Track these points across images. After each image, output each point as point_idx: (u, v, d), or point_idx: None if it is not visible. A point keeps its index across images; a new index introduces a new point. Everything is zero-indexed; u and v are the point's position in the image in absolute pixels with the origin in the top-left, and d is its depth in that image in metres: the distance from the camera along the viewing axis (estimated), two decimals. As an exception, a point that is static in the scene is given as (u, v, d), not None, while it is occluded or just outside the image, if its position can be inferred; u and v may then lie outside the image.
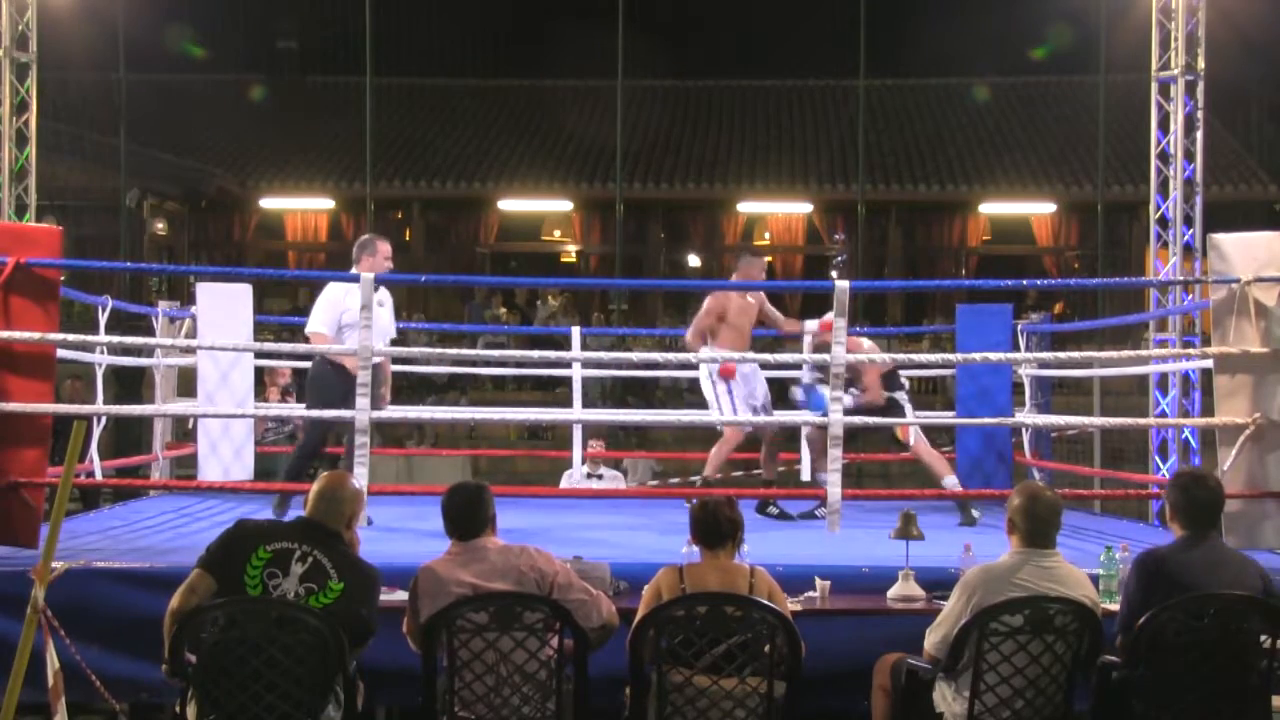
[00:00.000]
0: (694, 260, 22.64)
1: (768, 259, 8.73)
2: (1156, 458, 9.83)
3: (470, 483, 4.72)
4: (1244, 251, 5.96)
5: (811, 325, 7.98)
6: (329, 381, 7.03)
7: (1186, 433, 9.65)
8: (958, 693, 4.32)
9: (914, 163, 21.56)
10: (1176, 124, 9.92)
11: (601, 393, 16.63)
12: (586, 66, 21.28)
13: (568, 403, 9.23)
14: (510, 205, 21.69)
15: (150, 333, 8.67)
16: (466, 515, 4.52)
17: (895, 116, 22.79)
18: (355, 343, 6.61)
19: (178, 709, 4.21)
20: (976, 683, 4.25)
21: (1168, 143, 10.00)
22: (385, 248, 7.20)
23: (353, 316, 6.78)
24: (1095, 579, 4.88)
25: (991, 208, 21.54)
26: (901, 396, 7.72)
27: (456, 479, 5.68)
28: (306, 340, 7.25)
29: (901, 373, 7.72)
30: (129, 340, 8.41)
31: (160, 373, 8.58)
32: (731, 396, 7.72)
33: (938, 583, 5.10)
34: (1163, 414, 9.79)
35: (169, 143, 20.05)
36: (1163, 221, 10.07)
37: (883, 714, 4.70)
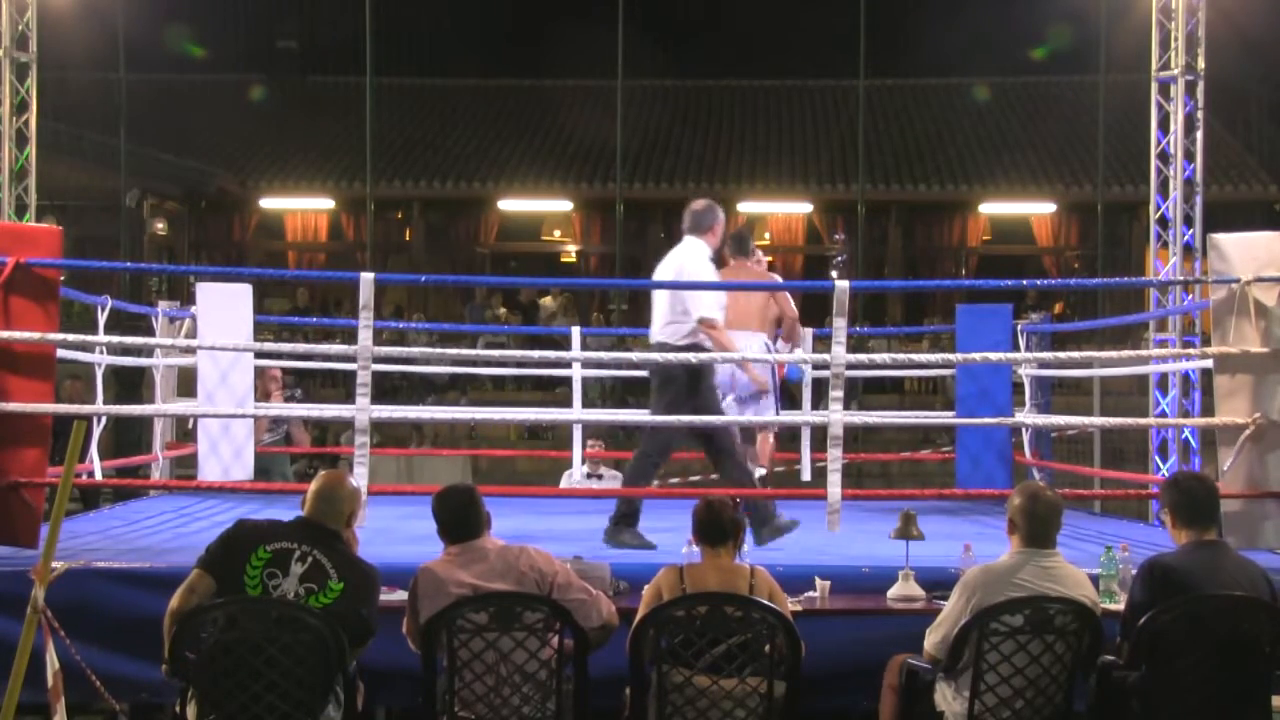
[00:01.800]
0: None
1: (767, 258, 8.50)
2: (1156, 458, 9.83)
3: (459, 486, 4.68)
4: (1244, 251, 5.96)
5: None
6: (693, 378, 6.43)
7: (1186, 433, 9.65)
8: (958, 692, 4.32)
9: (914, 163, 21.55)
10: (1176, 124, 9.92)
11: (601, 393, 16.62)
12: (586, 66, 21.27)
13: (568, 403, 9.23)
14: (510, 205, 21.68)
15: (150, 333, 8.67)
16: (461, 519, 4.51)
17: (895, 116, 22.77)
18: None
19: (178, 709, 4.22)
20: (977, 683, 4.25)
21: (1168, 143, 10.00)
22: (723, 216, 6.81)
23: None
24: (1095, 579, 4.89)
25: (991, 208, 21.53)
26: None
27: (456, 479, 5.68)
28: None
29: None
30: (129, 340, 8.41)
31: (160, 373, 8.58)
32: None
33: (938, 583, 5.10)
34: (1163, 414, 9.79)
35: (169, 143, 20.02)
36: (1163, 221, 10.07)
37: (890, 713, 4.71)
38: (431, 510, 4.56)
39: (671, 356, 6.36)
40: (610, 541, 6.31)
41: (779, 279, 7.49)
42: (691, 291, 6.42)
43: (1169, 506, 4.55)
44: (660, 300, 6.57)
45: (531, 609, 4.28)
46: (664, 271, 6.70)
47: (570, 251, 22.78)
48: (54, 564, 4.39)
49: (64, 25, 11.90)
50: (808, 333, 8.86)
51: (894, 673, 4.71)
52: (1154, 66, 10.05)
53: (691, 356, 6.36)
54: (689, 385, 6.40)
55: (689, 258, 6.60)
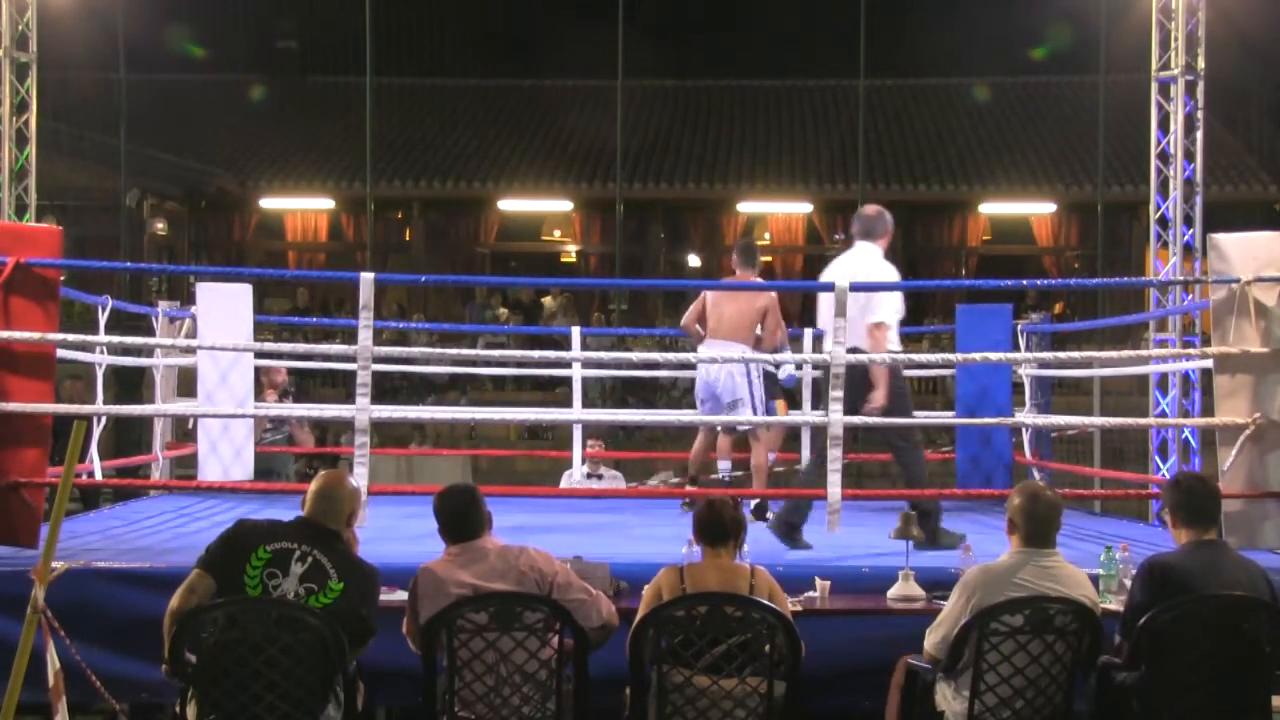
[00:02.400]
0: (694, 260, 22.63)
1: (766, 258, 8.77)
2: (1156, 458, 9.82)
3: (461, 485, 4.69)
4: (1244, 251, 5.96)
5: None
6: (901, 381, 6.47)
7: (1186, 433, 9.64)
8: (958, 692, 4.33)
9: (914, 163, 21.55)
10: (1176, 124, 9.91)
11: (601, 393, 16.63)
12: (586, 66, 21.28)
13: (568, 403, 9.23)
14: (510, 205, 21.69)
15: (150, 333, 8.67)
16: (462, 518, 4.52)
17: (895, 116, 22.78)
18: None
19: (178, 709, 4.21)
20: (977, 682, 4.25)
21: (1168, 143, 9.99)
22: None
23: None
24: (1095, 579, 4.89)
25: (991, 208, 21.53)
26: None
27: (457, 479, 5.67)
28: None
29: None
30: (129, 340, 8.40)
31: (160, 373, 8.58)
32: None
33: (938, 583, 5.10)
34: (1163, 414, 9.78)
35: (169, 143, 20.02)
36: (1163, 221, 10.07)
37: (896, 712, 4.71)
38: (433, 510, 4.56)
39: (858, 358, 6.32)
40: (930, 545, 6.12)
41: (773, 295, 7.73)
42: (876, 295, 6.40)
43: (1170, 506, 4.56)
44: (844, 303, 6.44)
45: (531, 609, 4.28)
46: (843, 277, 6.54)
47: (570, 251, 22.79)
48: (54, 564, 4.39)
49: (64, 25, 11.90)
50: (807, 333, 8.89)
51: (902, 671, 4.72)
52: (1154, 66, 10.05)
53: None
54: (863, 386, 6.37)
55: (873, 264, 6.59)
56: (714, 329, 7.61)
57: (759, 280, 8.05)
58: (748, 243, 8.04)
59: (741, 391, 7.51)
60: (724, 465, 8.35)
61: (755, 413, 7.51)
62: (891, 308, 6.43)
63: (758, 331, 7.61)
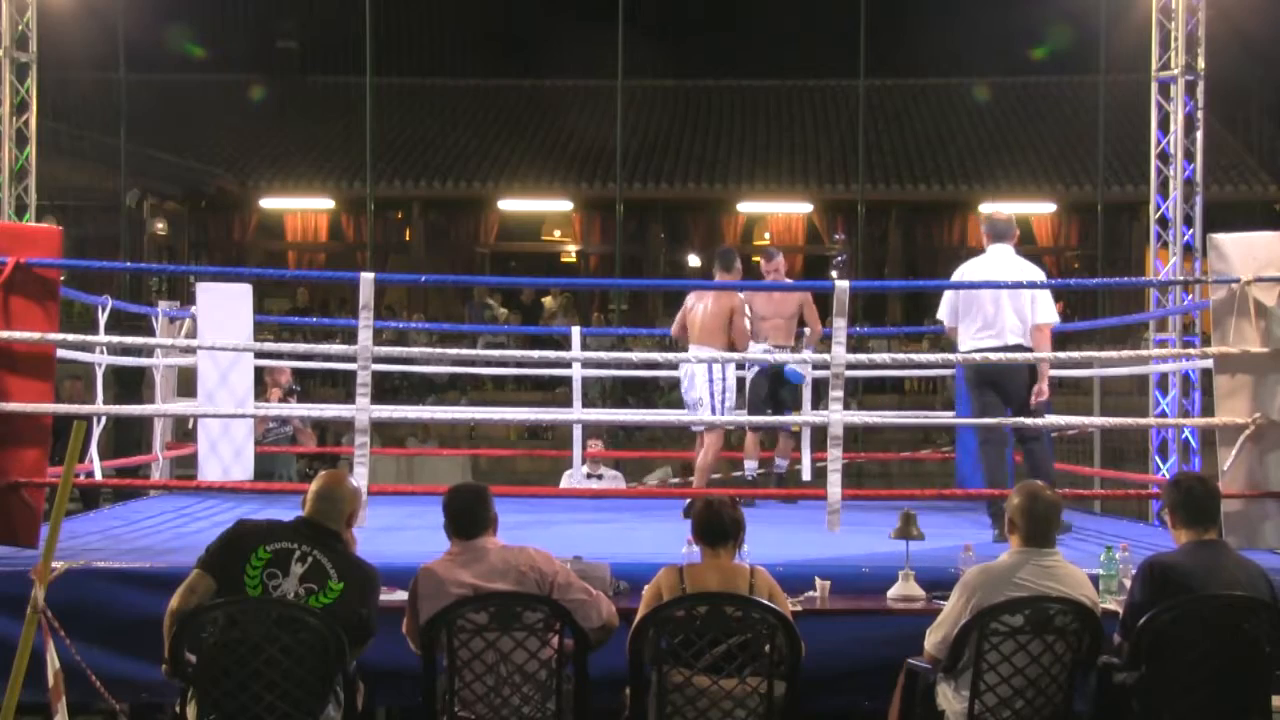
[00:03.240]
0: (694, 260, 22.63)
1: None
2: (1156, 458, 9.82)
3: (473, 483, 4.75)
4: (1244, 251, 5.96)
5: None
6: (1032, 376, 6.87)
7: (1186, 433, 9.64)
8: (958, 692, 4.33)
9: (914, 163, 21.55)
10: (1176, 124, 9.90)
11: (601, 393, 16.62)
12: (586, 66, 21.27)
13: (568, 403, 9.23)
14: (510, 205, 21.69)
15: (150, 333, 8.66)
16: (469, 514, 4.53)
17: (895, 116, 22.77)
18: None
19: (178, 709, 4.22)
20: (977, 682, 4.25)
21: (1168, 143, 9.98)
22: None
23: None
24: (1095, 579, 4.89)
25: (992, 208, 21.47)
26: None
27: (457, 479, 5.69)
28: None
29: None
30: (129, 340, 8.40)
31: (160, 373, 8.57)
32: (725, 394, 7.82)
33: (938, 583, 5.10)
34: (1163, 414, 9.77)
35: (169, 143, 20.02)
36: (1163, 221, 10.06)
37: (899, 712, 4.71)
38: (442, 504, 4.58)
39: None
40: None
41: (740, 297, 7.96)
42: (1039, 297, 6.93)
43: (1170, 506, 4.56)
44: (1009, 303, 6.90)
45: (531, 609, 4.29)
46: (1002, 278, 6.94)
47: (570, 251, 22.79)
48: (54, 564, 4.39)
49: (64, 25, 11.87)
50: (806, 333, 8.88)
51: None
52: (1154, 66, 10.03)
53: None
54: (1030, 380, 6.89)
55: (1024, 264, 7.08)
56: (690, 333, 7.96)
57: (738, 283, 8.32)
58: (725, 249, 8.47)
59: (701, 391, 7.79)
60: (750, 465, 8.42)
61: (713, 412, 7.70)
62: (1054, 308, 7.00)
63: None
